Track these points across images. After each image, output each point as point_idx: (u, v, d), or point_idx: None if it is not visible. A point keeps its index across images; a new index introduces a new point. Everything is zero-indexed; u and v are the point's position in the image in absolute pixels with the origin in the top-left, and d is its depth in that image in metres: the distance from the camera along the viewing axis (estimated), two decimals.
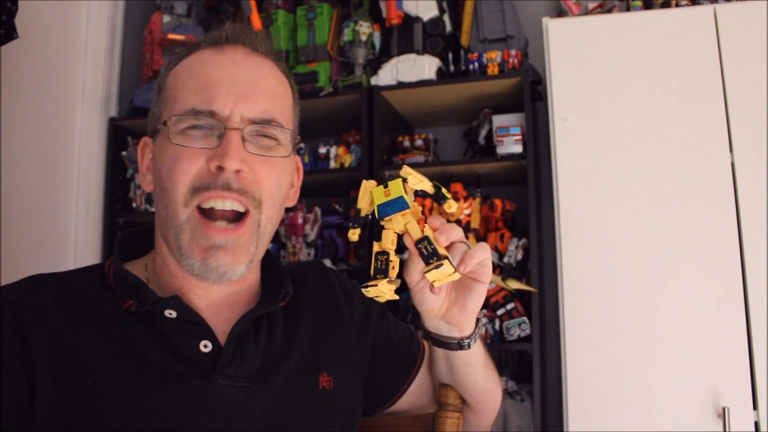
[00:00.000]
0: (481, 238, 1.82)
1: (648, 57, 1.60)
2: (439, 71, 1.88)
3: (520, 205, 1.87)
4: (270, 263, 0.87)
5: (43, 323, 0.71)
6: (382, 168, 1.86)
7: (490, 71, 1.85)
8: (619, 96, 1.61)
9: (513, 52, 1.84)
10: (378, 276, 0.70)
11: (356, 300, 0.93)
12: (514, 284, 1.69)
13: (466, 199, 1.85)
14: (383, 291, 0.70)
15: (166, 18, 2.13)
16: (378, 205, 0.70)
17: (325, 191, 2.13)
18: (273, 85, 0.80)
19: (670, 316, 1.49)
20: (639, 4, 1.75)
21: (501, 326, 1.73)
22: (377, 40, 1.98)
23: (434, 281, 0.70)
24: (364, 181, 0.73)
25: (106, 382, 0.70)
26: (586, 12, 1.85)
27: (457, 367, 0.84)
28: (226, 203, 0.74)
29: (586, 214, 1.59)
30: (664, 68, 1.59)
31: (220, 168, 0.73)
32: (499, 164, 1.81)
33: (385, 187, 0.70)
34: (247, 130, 0.75)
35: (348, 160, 1.94)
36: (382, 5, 1.97)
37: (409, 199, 0.70)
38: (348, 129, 2.04)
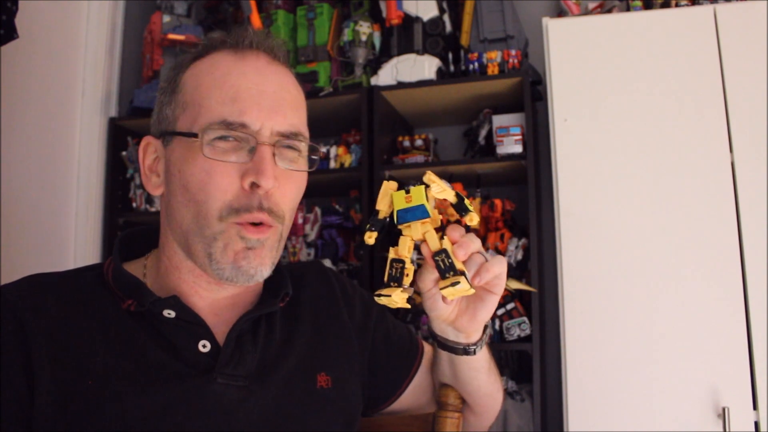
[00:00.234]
0: (481, 238, 1.82)
1: (648, 57, 1.60)
2: (439, 71, 1.88)
3: (520, 205, 1.87)
4: None
5: (43, 323, 0.72)
6: (382, 168, 1.86)
7: (490, 71, 1.85)
8: (619, 96, 1.61)
9: (513, 52, 1.84)
10: (392, 284, 0.69)
11: (356, 300, 0.93)
12: (514, 284, 1.69)
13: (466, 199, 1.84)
14: (396, 301, 0.69)
15: (166, 18, 2.13)
16: (397, 211, 0.69)
17: (325, 191, 2.13)
18: (296, 97, 0.80)
19: (670, 316, 1.49)
20: (639, 4, 1.75)
21: (501, 326, 1.72)
22: (377, 40, 1.98)
23: (448, 295, 0.69)
24: (385, 182, 0.72)
25: (105, 381, 0.70)
26: (586, 12, 1.85)
27: (460, 371, 0.84)
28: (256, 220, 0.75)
29: (586, 214, 1.59)
30: (664, 68, 1.59)
31: (255, 185, 0.73)
32: (499, 164, 1.81)
33: (407, 192, 0.69)
34: (276, 144, 0.75)
35: (348, 160, 1.94)
36: (382, 5, 1.97)
37: (430, 207, 0.69)
38: (348, 129, 2.04)
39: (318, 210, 2.01)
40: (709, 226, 1.50)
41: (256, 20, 1.99)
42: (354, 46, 1.93)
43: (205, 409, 0.72)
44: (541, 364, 1.69)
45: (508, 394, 1.77)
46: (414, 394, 0.93)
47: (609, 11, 1.80)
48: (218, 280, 0.76)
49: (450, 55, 1.92)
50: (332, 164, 1.96)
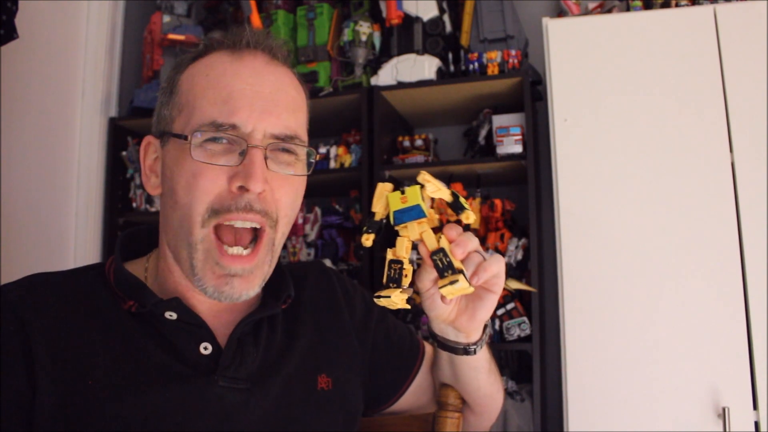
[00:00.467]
0: (481, 238, 1.82)
1: (648, 57, 1.60)
2: (439, 71, 1.88)
3: (520, 205, 1.87)
4: None
5: (44, 323, 0.71)
6: (382, 168, 1.86)
7: (490, 71, 1.85)
8: (619, 96, 1.61)
9: (513, 52, 1.84)
10: (391, 285, 0.69)
11: (356, 300, 0.93)
12: (514, 284, 1.69)
13: (466, 199, 1.84)
14: (395, 301, 0.69)
15: (166, 18, 2.13)
16: (394, 212, 0.69)
17: (325, 191, 2.13)
18: (294, 99, 0.79)
19: (670, 316, 1.49)
20: (639, 4, 1.75)
21: (501, 326, 1.72)
22: (377, 40, 1.98)
23: (447, 294, 0.69)
24: (379, 184, 0.71)
25: (106, 382, 0.70)
26: (586, 12, 1.85)
27: (461, 371, 0.84)
28: (246, 223, 0.73)
29: (586, 214, 1.59)
30: (664, 68, 1.59)
31: (243, 188, 0.71)
32: (499, 164, 1.81)
33: (402, 193, 0.69)
34: (269, 147, 0.73)
35: (348, 160, 1.94)
36: (382, 5, 1.97)
37: (426, 207, 0.69)
38: (348, 129, 2.04)
39: (318, 210, 2.01)
40: (709, 226, 1.50)
41: (256, 20, 1.99)
42: (354, 46, 1.93)
43: (206, 411, 0.72)
44: (541, 364, 1.69)
45: (508, 394, 1.77)
46: (415, 395, 0.93)
47: (609, 11, 1.80)
48: (201, 293, 0.74)
49: (450, 55, 1.92)
50: (332, 164, 1.96)
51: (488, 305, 0.74)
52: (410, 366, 0.93)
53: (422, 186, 0.69)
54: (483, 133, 1.91)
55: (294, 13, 2.05)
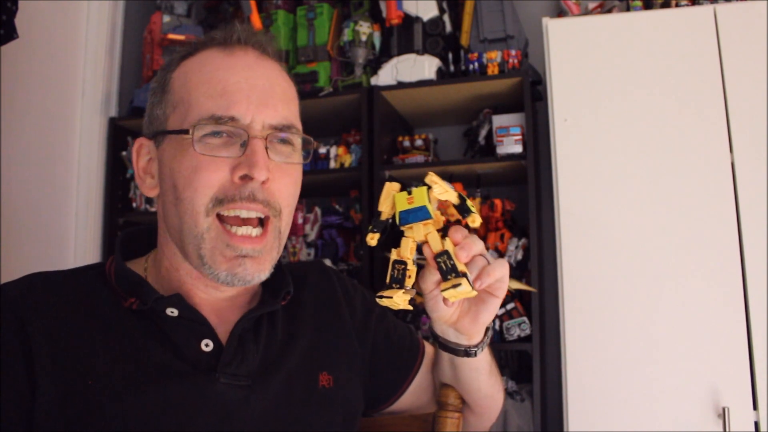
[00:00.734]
0: (481, 238, 1.82)
1: (648, 57, 1.60)
2: (439, 71, 1.88)
3: (520, 205, 1.87)
4: None
5: (44, 322, 0.71)
6: (382, 168, 1.86)
7: (490, 71, 1.85)
8: (619, 96, 1.61)
9: (513, 52, 1.84)
10: (394, 285, 0.69)
11: (356, 300, 0.93)
12: (514, 284, 1.69)
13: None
14: (397, 302, 0.69)
15: (166, 18, 2.13)
16: (400, 212, 0.69)
17: (325, 191, 2.13)
18: (287, 90, 0.80)
19: (670, 317, 1.49)
20: (639, 4, 1.75)
21: (501, 326, 1.72)
22: (377, 40, 1.98)
23: (450, 297, 0.69)
24: (387, 183, 0.72)
25: (106, 382, 0.70)
26: (586, 12, 1.85)
27: (461, 372, 0.84)
28: (251, 213, 0.74)
29: (586, 214, 1.59)
30: (664, 68, 1.59)
31: (247, 178, 0.72)
32: (499, 164, 1.81)
33: (409, 193, 0.69)
34: (268, 137, 0.74)
35: (348, 160, 1.94)
36: (382, 5, 1.97)
37: (432, 208, 0.69)
38: (348, 129, 2.04)
39: (318, 210, 2.01)
40: (709, 226, 1.50)
41: (256, 20, 1.99)
42: (354, 46, 1.93)
43: (207, 409, 0.72)
44: (541, 364, 1.69)
45: (508, 394, 1.77)
46: (415, 394, 0.93)
47: (609, 11, 1.80)
48: (213, 281, 0.75)
49: (450, 55, 1.92)
50: (332, 164, 1.96)
51: (491, 309, 0.74)
52: (410, 366, 0.93)
53: (429, 187, 0.69)
54: (483, 133, 1.91)
55: (294, 13, 2.05)
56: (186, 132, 0.73)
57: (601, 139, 1.61)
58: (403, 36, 1.95)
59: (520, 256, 1.77)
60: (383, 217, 0.71)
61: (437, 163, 1.93)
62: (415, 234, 0.69)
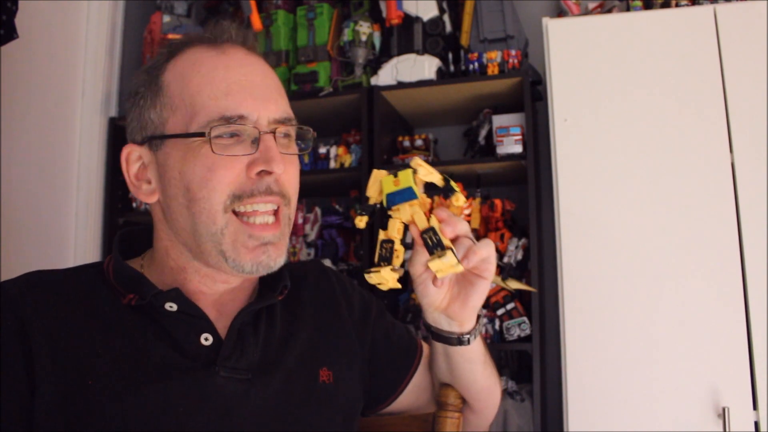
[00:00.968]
0: (481, 238, 1.82)
1: (648, 57, 1.60)
2: (439, 71, 1.88)
3: (520, 205, 1.87)
4: None
5: (44, 320, 0.71)
6: (382, 168, 1.85)
7: (490, 71, 1.85)
8: (619, 96, 1.61)
9: (513, 52, 1.84)
10: (382, 263, 0.71)
11: (355, 298, 0.93)
12: (514, 284, 1.69)
13: (466, 199, 1.85)
14: (386, 278, 0.70)
15: (166, 18, 2.13)
16: (387, 194, 0.71)
17: (325, 191, 2.13)
18: (278, 84, 0.82)
19: (670, 317, 1.49)
20: (639, 4, 1.75)
21: (501, 326, 1.72)
22: (377, 40, 1.98)
23: (437, 272, 0.70)
24: (374, 170, 0.74)
25: (106, 381, 0.70)
26: (586, 12, 1.85)
27: (456, 364, 0.84)
28: (268, 206, 0.76)
29: (586, 214, 1.59)
30: (664, 68, 1.59)
31: (264, 173, 0.74)
32: (499, 164, 1.81)
33: (395, 176, 0.71)
34: (276, 132, 0.76)
35: (348, 160, 1.94)
36: (382, 5, 1.97)
37: (418, 189, 0.71)
38: (348, 129, 2.04)
39: (318, 210, 2.01)
40: (709, 226, 1.50)
41: (256, 20, 1.99)
42: (354, 46, 1.93)
43: (208, 403, 0.72)
44: (541, 364, 1.69)
45: (508, 394, 1.77)
46: (414, 394, 0.93)
47: (609, 11, 1.80)
48: (237, 274, 0.77)
49: (450, 55, 1.92)
50: (332, 164, 1.96)
51: (480, 291, 0.75)
52: (408, 365, 0.93)
53: (414, 170, 0.71)
54: (483, 133, 1.91)
55: (294, 13, 2.05)
56: (200, 135, 0.73)
57: (601, 139, 1.61)
58: (403, 36, 1.95)
59: (520, 256, 1.77)
60: (371, 201, 0.74)
61: (437, 163, 1.93)
62: (401, 214, 0.71)
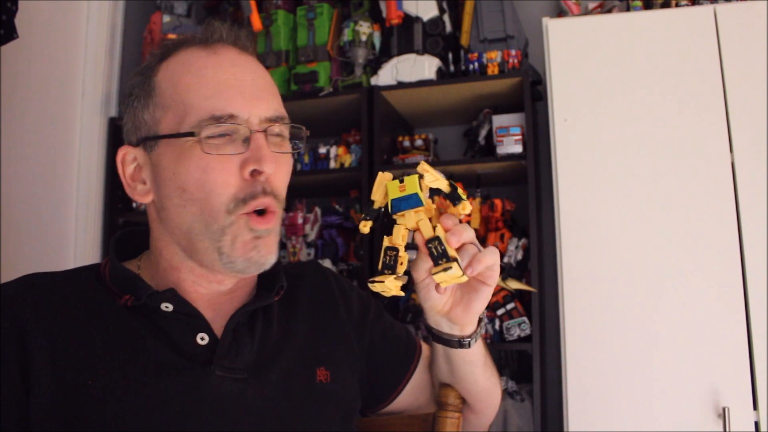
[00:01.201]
0: (481, 238, 1.82)
1: (648, 57, 1.60)
2: (439, 71, 1.88)
3: (520, 205, 1.87)
4: None
5: (42, 322, 0.72)
6: (382, 168, 1.86)
7: (490, 71, 1.85)
8: (619, 96, 1.61)
9: (513, 52, 1.84)
10: (386, 271, 0.70)
11: (353, 298, 0.93)
12: (514, 284, 1.69)
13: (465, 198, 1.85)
14: (389, 287, 0.70)
15: (166, 18, 2.13)
16: (392, 200, 0.70)
17: (325, 191, 2.13)
18: (270, 83, 0.81)
19: (670, 317, 1.49)
20: (639, 4, 1.75)
21: (501, 326, 1.72)
22: (377, 40, 1.98)
23: (441, 282, 0.70)
24: (380, 173, 0.73)
25: (104, 379, 0.70)
26: (586, 12, 1.85)
27: (456, 365, 0.84)
28: (268, 207, 0.76)
29: (586, 214, 1.59)
30: (664, 68, 1.59)
31: (256, 172, 0.74)
32: (499, 164, 1.81)
33: (401, 182, 0.70)
34: (267, 131, 0.76)
35: (348, 160, 1.94)
36: (382, 5, 1.97)
37: (424, 196, 0.70)
38: (348, 129, 2.04)
39: (318, 210, 2.01)
40: (709, 226, 1.50)
41: (256, 20, 1.99)
42: (354, 46, 1.93)
43: (204, 402, 0.72)
44: (541, 364, 1.69)
45: (508, 394, 1.77)
46: (413, 394, 0.93)
47: (609, 11, 1.80)
48: (228, 272, 0.77)
49: (450, 55, 1.92)
50: (332, 164, 1.96)
51: (483, 297, 0.75)
52: (407, 364, 0.93)
53: (421, 176, 0.70)
54: (483, 133, 1.91)
55: (294, 13, 2.05)
56: (190, 135, 0.73)
57: (601, 139, 1.61)
58: (403, 36, 1.95)
59: (520, 256, 1.77)
60: (376, 205, 0.73)
61: (437, 163, 1.93)
62: (406, 221, 0.71)
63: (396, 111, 2.03)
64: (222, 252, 0.75)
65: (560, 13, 1.91)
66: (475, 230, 1.81)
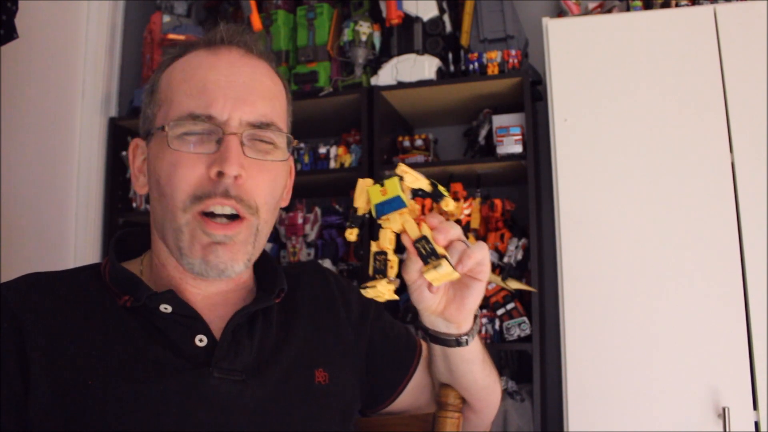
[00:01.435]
0: (481, 238, 1.82)
1: (648, 57, 1.60)
2: (439, 71, 1.88)
3: (520, 205, 1.87)
4: (265, 261, 0.87)
5: (41, 322, 0.72)
6: (382, 168, 1.86)
7: (490, 71, 1.85)
8: (619, 96, 1.61)
9: (513, 52, 1.84)
10: (377, 276, 0.70)
11: (352, 299, 0.93)
12: (514, 284, 1.69)
13: (466, 199, 1.85)
14: (382, 291, 0.70)
15: (166, 18, 2.13)
16: (375, 205, 0.70)
17: (325, 191, 2.13)
18: (269, 88, 0.80)
19: (670, 317, 1.49)
20: (639, 4, 1.75)
21: (501, 326, 1.72)
22: (377, 40, 1.98)
23: (433, 281, 0.70)
24: (359, 180, 0.72)
25: (103, 380, 0.70)
26: (586, 12, 1.85)
27: (455, 365, 0.84)
28: (225, 209, 0.74)
29: (586, 214, 1.59)
30: (664, 68, 1.59)
31: (221, 174, 0.73)
32: (499, 164, 1.81)
33: (381, 185, 0.70)
34: (245, 135, 0.75)
35: (348, 160, 1.94)
36: (382, 5, 1.97)
37: (406, 197, 0.70)
38: (348, 129, 2.04)
39: (318, 210, 2.01)
40: (709, 226, 1.50)
41: (256, 20, 1.99)
42: (354, 46, 1.93)
43: (202, 403, 0.72)
44: (541, 364, 1.69)
45: (508, 394, 1.77)
46: (413, 394, 0.93)
47: (609, 11, 1.80)
48: (191, 274, 0.76)
49: (450, 55, 1.92)
50: (332, 164, 1.96)
51: (476, 293, 0.74)
52: (407, 364, 0.93)
53: (401, 177, 0.70)
54: (483, 133, 1.91)
55: (294, 13, 2.05)
56: (162, 129, 0.75)
57: (601, 139, 1.61)
58: (403, 36, 1.95)
59: (520, 256, 1.77)
60: (360, 212, 0.72)
61: (437, 163, 1.93)
62: (392, 224, 0.70)
63: (396, 111, 2.03)
64: (182, 252, 0.75)
65: (560, 13, 1.91)
66: (475, 230, 1.82)
